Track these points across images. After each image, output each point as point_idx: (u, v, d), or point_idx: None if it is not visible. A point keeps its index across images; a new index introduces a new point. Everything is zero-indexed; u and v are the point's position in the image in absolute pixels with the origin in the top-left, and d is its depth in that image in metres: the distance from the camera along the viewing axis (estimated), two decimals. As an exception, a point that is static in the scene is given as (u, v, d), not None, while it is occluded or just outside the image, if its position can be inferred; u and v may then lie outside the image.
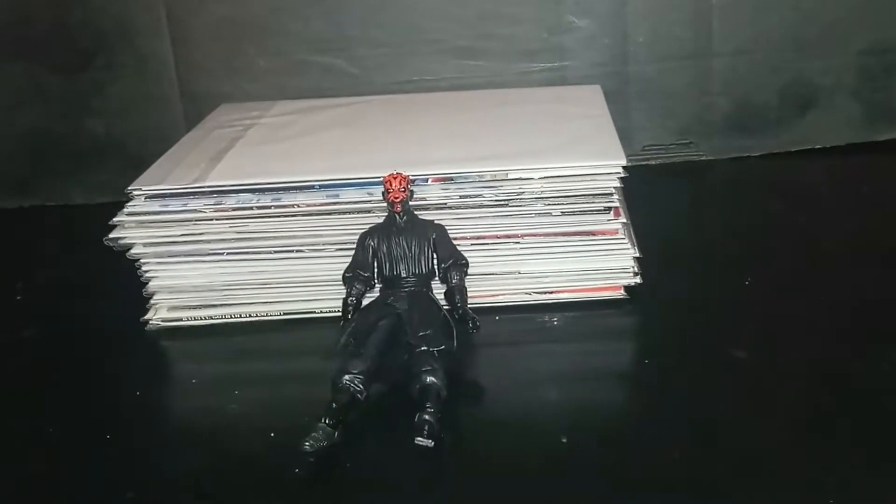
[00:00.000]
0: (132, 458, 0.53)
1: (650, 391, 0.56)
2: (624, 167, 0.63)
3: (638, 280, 0.65)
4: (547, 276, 0.65)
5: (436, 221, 0.62)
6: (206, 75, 0.89)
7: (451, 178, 0.64)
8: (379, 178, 0.60)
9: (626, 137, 0.70)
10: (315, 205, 0.63)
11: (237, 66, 0.89)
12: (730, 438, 0.51)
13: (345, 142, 0.72)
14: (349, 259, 0.61)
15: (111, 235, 0.64)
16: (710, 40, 0.87)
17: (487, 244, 0.64)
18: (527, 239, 0.64)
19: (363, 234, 0.61)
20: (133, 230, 0.64)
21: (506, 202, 0.63)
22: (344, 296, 0.60)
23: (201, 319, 0.66)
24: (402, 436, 0.51)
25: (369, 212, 0.63)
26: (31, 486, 0.51)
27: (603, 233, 0.64)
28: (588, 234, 0.64)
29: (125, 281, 0.66)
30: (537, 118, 0.73)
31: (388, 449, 0.52)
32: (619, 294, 0.65)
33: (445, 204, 0.63)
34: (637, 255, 0.64)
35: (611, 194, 0.63)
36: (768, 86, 0.89)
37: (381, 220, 0.62)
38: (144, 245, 0.65)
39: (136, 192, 0.65)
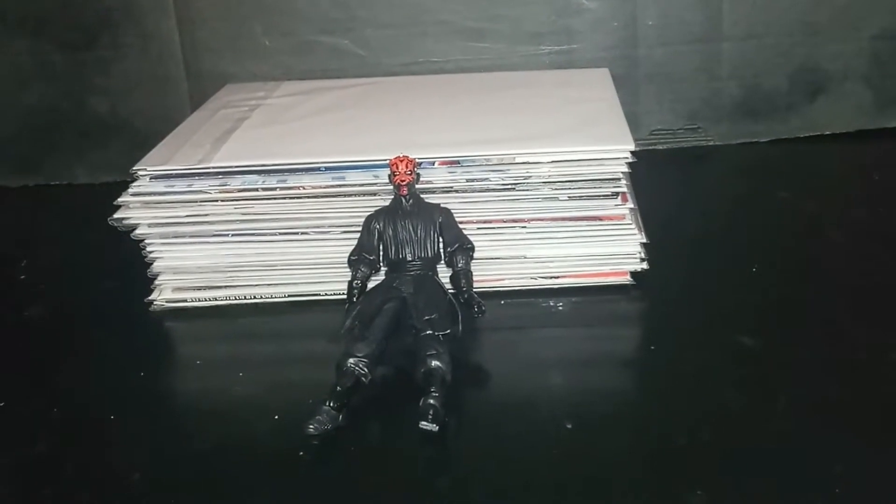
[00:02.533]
0: (136, 439, 0.53)
1: (655, 378, 0.56)
2: (632, 152, 0.62)
3: (644, 266, 0.64)
4: (553, 261, 0.65)
5: (442, 205, 0.62)
6: (212, 55, 0.88)
7: (458, 162, 0.63)
8: (385, 160, 0.60)
9: (633, 122, 0.70)
10: (321, 187, 0.63)
11: (243, 45, 0.88)
12: (735, 426, 0.50)
13: (351, 123, 0.71)
14: (355, 242, 0.61)
15: (116, 215, 0.64)
16: (720, 24, 0.86)
17: (493, 228, 0.64)
18: (533, 223, 0.64)
19: (369, 216, 0.61)
20: (138, 210, 0.64)
21: (512, 186, 0.63)
22: (349, 279, 0.60)
23: (206, 301, 0.66)
24: (407, 420, 0.51)
25: (375, 194, 0.63)
26: (36, 467, 0.51)
27: (610, 218, 0.63)
28: (595, 219, 0.63)
29: (129, 261, 0.66)
30: (545, 101, 0.73)
31: (392, 433, 0.52)
32: (626, 280, 0.65)
33: (452, 187, 0.63)
34: (644, 240, 0.64)
35: (618, 179, 0.62)
36: (778, 71, 0.88)
37: (387, 203, 0.61)
38: (149, 225, 0.64)
39: (140, 173, 0.64)
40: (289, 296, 0.66)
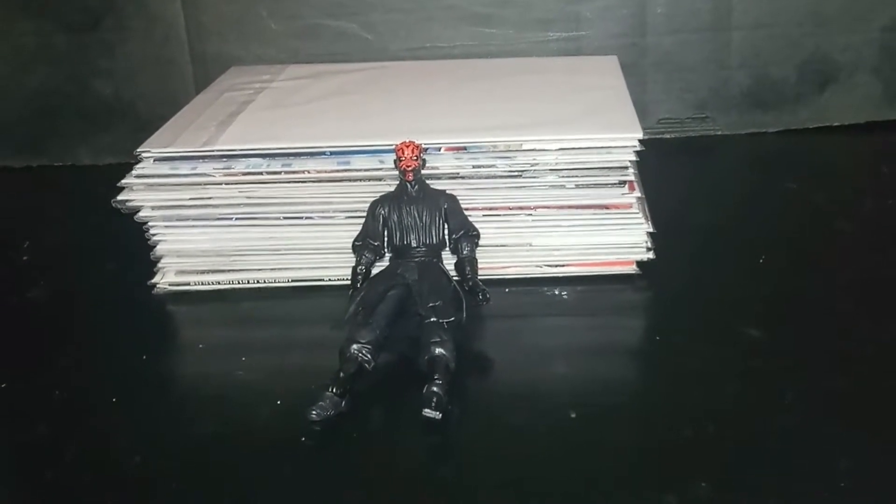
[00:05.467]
0: (138, 423, 0.53)
1: (661, 368, 0.55)
2: (640, 140, 0.62)
3: (651, 255, 0.64)
4: (559, 250, 0.64)
5: (447, 191, 0.61)
6: (217, 37, 0.88)
7: (465, 148, 0.63)
8: (391, 145, 0.60)
9: (641, 110, 0.69)
10: (326, 171, 0.63)
11: (248, 28, 0.87)
12: (741, 418, 0.50)
13: (357, 108, 0.71)
14: (359, 227, 0.61)
15: (119, 197, 0.64)
16: (729, 13, 0.86)
17: (499, 215, 0.63)
18: (539, 211, 0.63)
19: (374, 202, 0.60)
20: (141, 193, 0.64)
21: (519, 173, 0.62)
22: (353, 264, 0.59)
23: (209, 284, 0.65)
24: (410, 407, 0.50)
25: (380, 180, 0.62)
26: (37, 449, 0.51)
27: (617, 207, 0.63)
28: (601, 208, 0.63)
29: (132, 244, 0.66)
30: (552, 88, 0.72)
31: (395, 420, 0.52)
32: (632, 269, 0.64)
33: (458, 174, 0.62)
34: (651, 230, 0.63)
35: (626, 168, 0.62)
36: (787, 61, 0.87)
37: (392, 189, 0.61)
38: (153, 208, 0.64)
39: (144, 155, 0.64)
40: (292, 281, 0.65)
